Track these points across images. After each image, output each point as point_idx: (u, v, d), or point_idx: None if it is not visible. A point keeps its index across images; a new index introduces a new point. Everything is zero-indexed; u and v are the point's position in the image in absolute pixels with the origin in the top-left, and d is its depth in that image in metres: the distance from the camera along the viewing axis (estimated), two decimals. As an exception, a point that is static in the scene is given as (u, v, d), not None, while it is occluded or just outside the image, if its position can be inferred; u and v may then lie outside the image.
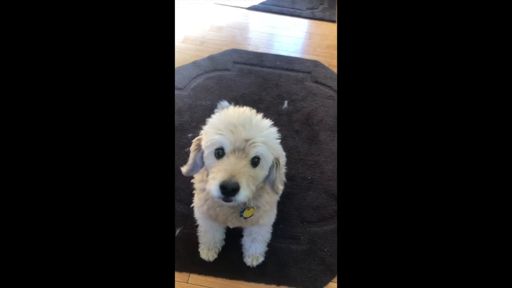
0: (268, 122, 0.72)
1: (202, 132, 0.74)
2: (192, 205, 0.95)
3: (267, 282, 1.07)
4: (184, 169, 0.80)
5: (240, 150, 0.65)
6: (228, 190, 0.61)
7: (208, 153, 0.70)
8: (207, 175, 0.78)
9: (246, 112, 0.70)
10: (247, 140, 0.66)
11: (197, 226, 1.11)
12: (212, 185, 0.64)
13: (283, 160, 0.80)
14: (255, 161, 0.67)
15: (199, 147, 0.75)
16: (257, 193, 0.78)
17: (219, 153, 0.68)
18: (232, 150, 0.65)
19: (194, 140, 0.77)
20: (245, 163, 0.65)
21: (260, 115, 0.73)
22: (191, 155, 0.78)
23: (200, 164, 0.78)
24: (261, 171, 0.70)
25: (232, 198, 0.63)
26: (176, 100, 1.60)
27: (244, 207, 0.79)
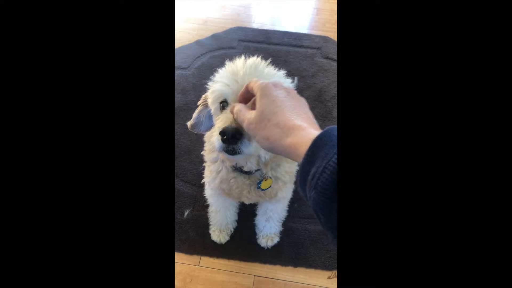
0: (281, 72, 0.64)
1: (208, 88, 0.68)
2: (202, 181, 0.89)
3: (283, 263, 1.00)
4: (189, 123, 0.76)
5: None
6: (228, 137, 0.52)
7: (214, 109, 0.63)
8: None
9: (252, 60, 0.61)
10: None
11: (207, 206, 1.04)
12: (214, 137, 0.56)
13: None
14: None
15: (206, 103, 0.69)
16: (276, 162, 0.71)
17: (224, 106, 0.60)
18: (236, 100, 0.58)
19: (203, 96, 0.72)
20: None
21: (269, 64, 0.64)
22: (197, 110, 0.73)
23: (204, 122, 0.73)
24: None
25: (235, 147, 0.53)
26: (181, 80, 1.52)
27: (261, 177, 0.72)
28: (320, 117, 1.39)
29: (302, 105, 0.43)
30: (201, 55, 1.65)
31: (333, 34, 1.81)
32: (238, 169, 0.72)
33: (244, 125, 0.43)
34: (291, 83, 0.66)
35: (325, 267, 1.00)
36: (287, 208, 1.00)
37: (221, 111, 0.60)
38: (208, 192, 0.93)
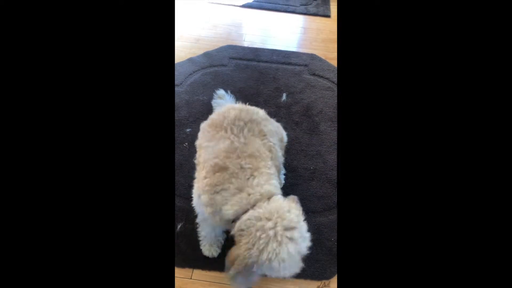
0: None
1: None
2: (193, 182, 0.91)
3: (274, 274, 1.03)
4: None
5: None
6: None
7: None
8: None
9: None
10: None
11: (199, 220, 1.07)
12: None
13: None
14: None
15: None
16: None
17: None
18: None
19: None
20: None
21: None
22: None
23: None
24: None
25: None
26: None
27: None
28: (308, 131, 1.44)
29: None
30: (193, 72, 1.71)
31: (319, 52, 1.90)
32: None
33: None
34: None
35: (314, 277, 1.03)
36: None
37: None
38: (197, 200, 0.96)
